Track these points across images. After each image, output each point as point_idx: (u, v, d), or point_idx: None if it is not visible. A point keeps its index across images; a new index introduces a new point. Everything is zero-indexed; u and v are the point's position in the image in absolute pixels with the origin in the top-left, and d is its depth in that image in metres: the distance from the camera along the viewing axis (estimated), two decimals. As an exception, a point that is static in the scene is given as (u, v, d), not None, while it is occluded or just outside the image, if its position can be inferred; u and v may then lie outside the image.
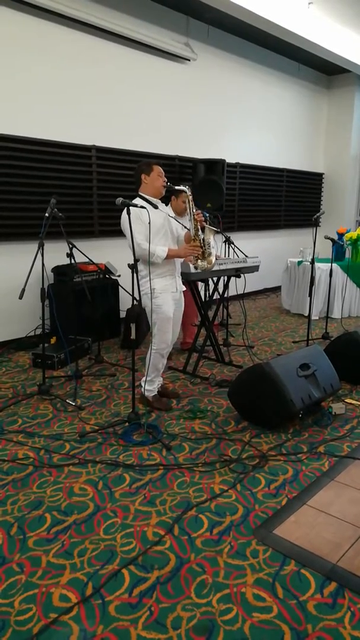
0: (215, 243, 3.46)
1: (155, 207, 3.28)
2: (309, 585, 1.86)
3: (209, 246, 3.38)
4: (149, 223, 3.11)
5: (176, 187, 3.47)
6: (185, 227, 3.40)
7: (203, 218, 3.37)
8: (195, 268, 3.47)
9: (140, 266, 3.22)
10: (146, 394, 3.47)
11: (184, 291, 3.54)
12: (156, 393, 3.52)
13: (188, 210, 3.33)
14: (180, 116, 6.15)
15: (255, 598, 1.80)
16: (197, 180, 5.85)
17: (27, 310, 4.82)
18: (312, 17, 6.04)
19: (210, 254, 3.39)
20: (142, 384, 3.46)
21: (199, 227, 3.32)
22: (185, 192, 3.33)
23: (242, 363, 4.43)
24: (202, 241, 3.35)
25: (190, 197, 3.33)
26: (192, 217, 3.32)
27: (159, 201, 3.39)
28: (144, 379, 3.46)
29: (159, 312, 3.28)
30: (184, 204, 4.00)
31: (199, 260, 3.40)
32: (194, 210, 3.32)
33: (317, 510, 2.33)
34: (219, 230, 3.39)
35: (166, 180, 3.35)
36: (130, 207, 2.99)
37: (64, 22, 4.80)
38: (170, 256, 3.25)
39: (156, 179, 3.29)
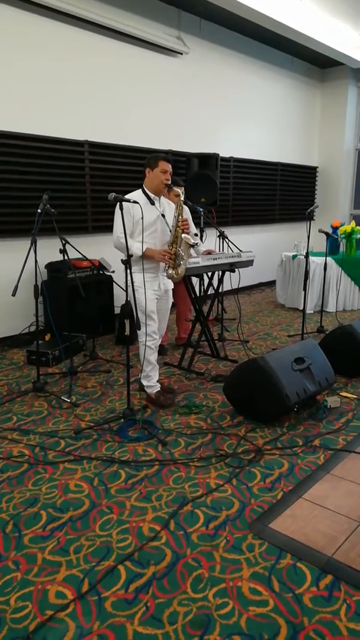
0: (200, 242, 3.41)
1: (152, 203, 3.25)
2: (304, 578, 1.87)
3: (181, 258, 3.33)
4: (142, 219, 3.08)
5: (174, 188, 3.39)
6: (170, 231, 3.36)
7: (187, 227, 3.34)
8: (165, 274, 3.42)
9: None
10: (147, 390, 3.44)
11: (178, 286, 3.52)
12: (159, 389, 3.47)
13: (176, 214, 3.30)
14: (173, 110, 6.12)
15: (252, 592, 1.80)
16: (191, 174, 5.83)
17: (20, 307, 4.79)
18: (305, 10, 6.00)
19: (179, 266, 3.34)
20: (143, 381, 3.44)
21: (179, 235, 3.29)
22: (179, 195, 3.28)
23: (237, 358, 4.43)
24: (176, 250, 3.31)
25: (182, 202, 3.29)
26: (177, 223, 3.29)
27: (159, 199, 3.34)
28: (142, 374, 3.42)
29: (139, 306, 3.23)
30: (176, 198, 3.97)
31: (169, 269, 3.35)
32: (181, 217, 3.28)
33: (312, 503, 2.33)
34: (195, 243, 3.36)
35: (169, 179, 3.29)
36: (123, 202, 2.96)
37: (55, 16, 4.75)
38: (146, 255, 3.21)
39: (158, 175, 3.25)
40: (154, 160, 3.27)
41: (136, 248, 3.17)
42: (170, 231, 3.36)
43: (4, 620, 1.68)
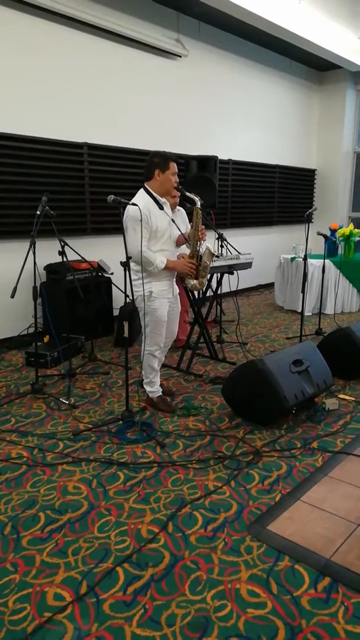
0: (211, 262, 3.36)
1: (161, 207, 3.11)
2: (302, 580, 1.87)
3: (205, 269, 3.28)
4: (141, 220, 3.01)
5: (187, 194, 3.23)
6: (186, 239, 3.30)
7: (205, 236, 3.27)
8: (185, 285, 3.39)
9: (134, 266, 3.13)
10: (150, 394, 3.43)
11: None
12: (160, 394, 3.45)
13: (194, 224, 3.21)
14: (172, 113, 6.13)
15: (250, 594, 1.80)
16: (190, 177, 5.84)
17: (19, 309, 4.79)
18: (304, 13, 6.03)
19: (203, 277, 3.30)
20: (146, 387, 3.43)
21: (200, 245, 3.22)
22: (197, 206, 3.18)
23: (236, 360, 4.43)
24: (199, 260, 3.26)
25: (200, 212, 3.18)
26: (196, 233, 3.21)
27: (165, 201, 3.20)
28: (144, 380, 3.41)
29: (153, 315, 3.18)
30: (173, 199, 3.91)
31: (191, 279, 3.31)
32: (200, 227, 3.19)
33: (310, 505, 2.34)
34: (219, 255, 3.29)
35: (178, 181, 3.15)
36: (128, 205, 2.94)
37: (54, 19, 4.76)
38: (167, 268, 3.13)
39: (169, 179, 3.07)
40: (164, 162, 3.05)
41: (159, 262, 3.06)
42: (187, 240, 3.29)
43: (2, 622, 1.68)
